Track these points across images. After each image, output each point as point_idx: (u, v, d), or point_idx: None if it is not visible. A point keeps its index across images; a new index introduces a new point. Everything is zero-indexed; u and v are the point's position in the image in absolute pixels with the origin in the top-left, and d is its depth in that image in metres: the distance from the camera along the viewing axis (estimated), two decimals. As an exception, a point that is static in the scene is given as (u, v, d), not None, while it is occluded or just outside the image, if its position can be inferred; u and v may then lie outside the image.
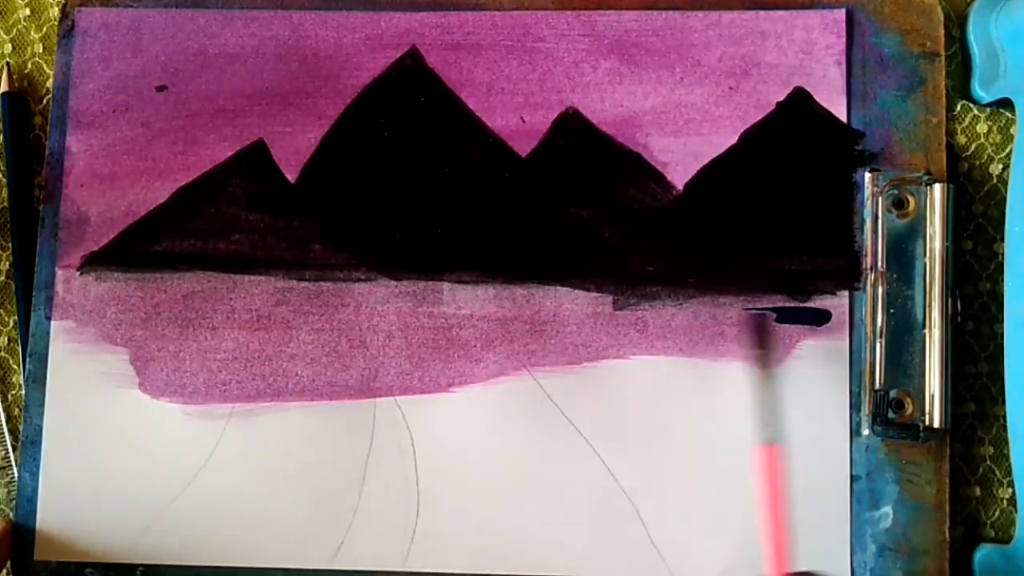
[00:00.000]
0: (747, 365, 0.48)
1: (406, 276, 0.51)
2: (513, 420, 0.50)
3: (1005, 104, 0.51)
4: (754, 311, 0.50)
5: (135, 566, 0.50)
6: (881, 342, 0.49)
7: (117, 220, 0.52)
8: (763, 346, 0.48)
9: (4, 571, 0.50)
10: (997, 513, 0.50)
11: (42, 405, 0.51)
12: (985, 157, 0.52)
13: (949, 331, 0.49)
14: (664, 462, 0.50)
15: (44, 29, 0.54)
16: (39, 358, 0.51)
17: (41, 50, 0.54)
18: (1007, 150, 0.52)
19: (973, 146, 0.52)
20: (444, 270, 0.51)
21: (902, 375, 0.49)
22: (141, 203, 0.52)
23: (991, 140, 0.52)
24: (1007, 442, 0.49)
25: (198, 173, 0.52)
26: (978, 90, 0.51)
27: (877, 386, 0.49)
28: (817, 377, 0.49)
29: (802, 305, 0.50)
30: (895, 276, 0.49)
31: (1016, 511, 0.49)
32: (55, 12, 0.54)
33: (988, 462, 0.50)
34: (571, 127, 0.52)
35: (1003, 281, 0.50)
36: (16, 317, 0.53)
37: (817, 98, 0.51)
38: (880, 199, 0.50)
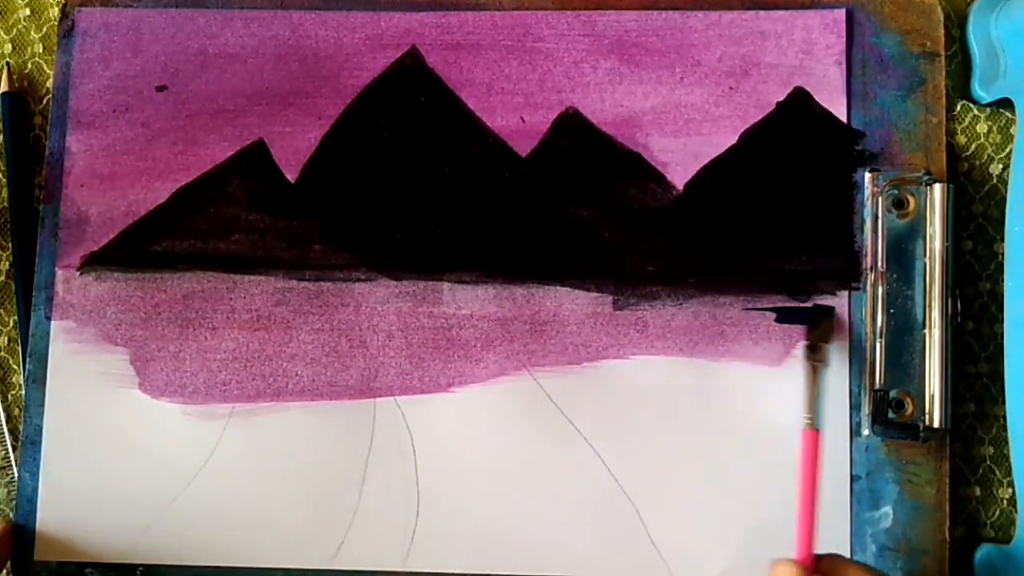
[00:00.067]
0: (802, 352, 0.48)
1: (406, 276, 0.51)
2: (513, 420, 0.50)
3: (1005, 104, 0.51)
4: (818, 304, 0.50)
5: (135, 566, 0.50)
6: (881, 342, 0.49)
7: (117, 220, 0.52)
8: (819, 338, 0.48)
9: (4, 571, 0.50)
10: (997, 513, 0.50)
11: (42, 405, 0.51)
12: (985, 157, 0.52)
13: (949, 331, 0.49)
14: (664, 462, 0.50)
15: (44, 29, 0.54)
16: (39, 358, 0.51)
17: (41, 50, 0.54)
18: (1007, 150, 0.52)
19: (973, 146, 0.52)
20: (444, 270, 0.51)
21: (902, 375, 0.49)
22: (141, 203, 0.52)
23: (991, 140, 0.52)
24: (1007, 442, 0.49)
25: (198, 173, 0.52)
26: (978, 90, 0.51)
27: (877, 386, 0.49)
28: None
29: (802, 305, 0.50)
30: (895, 276, 0.49)
31: (1016, 511, 0.49)
32: (55, 12, 0.54)
33: (988, 462, 0.50)
34: (571, 127, 0.52)
35: (1003, 281, 0.50)
36: (16, 317, 0.53)
37: (817, 98, 0.51)
38: (880, 199, 0.50)
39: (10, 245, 0.53)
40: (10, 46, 0.54)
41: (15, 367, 0.53)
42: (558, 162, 0.52)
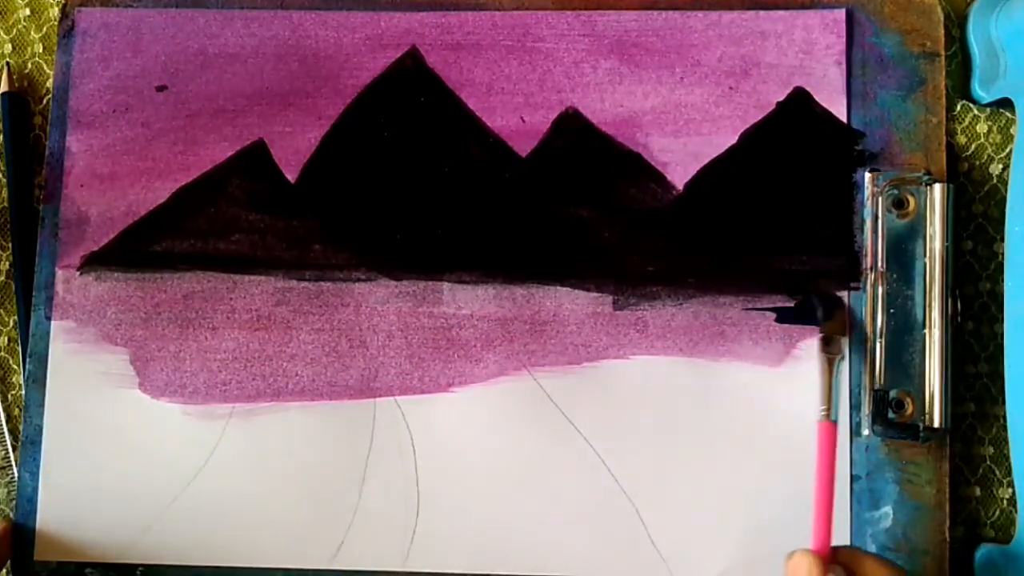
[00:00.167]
0: (817, 344, 0.48)
1: (406, 276, 0.51)
2: (513, 420, 0.50)
3: (1005, 104, 0.51)
4: (827, 294, 0.50)
5: (135, 566, 0.50)
6: (881, 342, 0.49)
7: (117, 220, 0.52)
8: (834, 330, 0.48)
9: (4, 571, 0.50)
10: (997, 513, 0.50)
11: (42, 405, 0.51)
12: (985, 157, 0.52)
13: (949, 331, 0.49)
14: (664, 462, 0.50)
15: (44, 29, 0.54)
16: (39, 358, 0.51)
17: (41, 50, 0.54)
18: (1007, 150, 0.52)
19: (973, 146, 0.52)
20: (444, 270, 0.51)
21: (902, 375, 0.49)
22: (141, 203, 0.52)
23: (991, 140, 0.52)
24: (1007, 442, 0.49)
25: (198, 173, 0.52)
26: (978, 90, 0.51)
27: (877, 386, 0.49)
28: (817, 377, 0.49)
29: (808, 298, 0.50)
30: (895, 276, 0.49)
31: (1016, 511, 0.49)
32: (55, 12, 0.54)
33: (988, 462, 0.50)
34: (571, 127, 0.52)
35: (1003, 281, 0.50)
36: (16, 317, 0.53)
37: (817, 98, 0.51)
38: (880, 199, 0.50)
39: (10, 245, 0.53)
40: (10, 46, 0.54)
41: (15, 367, 0.53)
42: (558, 162, 0.52)
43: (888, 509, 0.49)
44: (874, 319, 0.49)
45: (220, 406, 0.51)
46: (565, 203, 0.51)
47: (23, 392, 0.51)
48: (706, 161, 0.51)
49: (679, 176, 0.51)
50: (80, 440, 0.51)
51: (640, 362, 0.50)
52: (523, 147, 0.52)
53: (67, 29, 0.53)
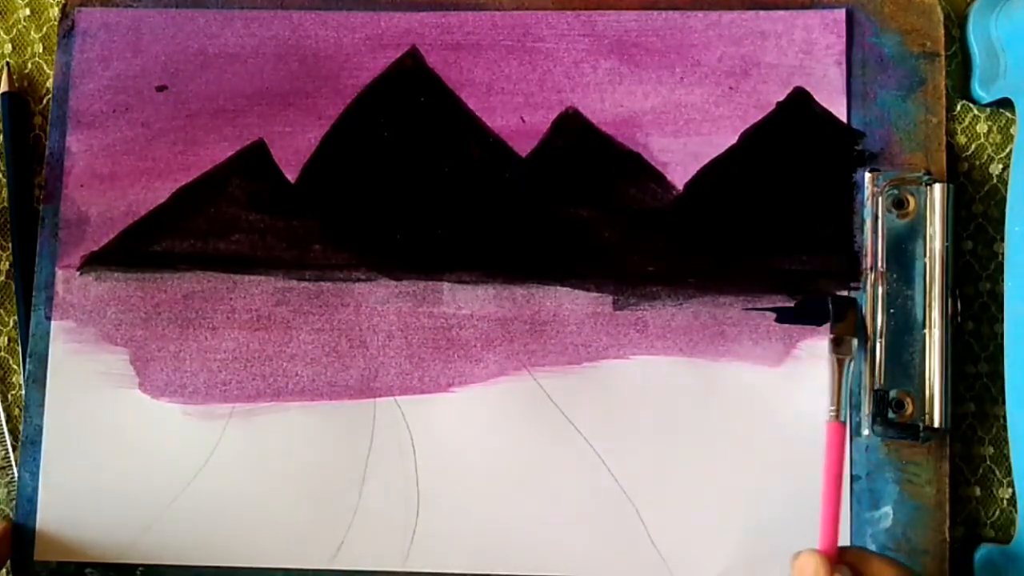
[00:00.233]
0: (828, 345, 0.48)
1: (406, 276, 0.51)
2: (513, 420, 0.50)
3: (1005, 104, 0.51)
4: (838, 295, 0.50)
5: (135, 566, 0.50)
6: (881, 342, 0.49)
7: (117, 220, 0.52)
8: (844, 331, 0.48)
9: (4, 571, 0.50)
10: (997, 513, 0.50)
11: (42, 405, 0.51)
12: (985, 157, 0.52)
13: (949, 331, 0.49)
14: (664, 462, 0.50)
15: (44, 29, 0.54)
16: (39, 358, 0.51)
17: (41, 50, 0.54)
18: (1007, 150, 0.52)
19: (973, 146, 0.52)
20: (444, 270, 0.51)
21: (902, 375, 0.49)
22: (141, 203, 0.52)
23: (991, 140, 0.52)
24: (1007, 442, 0.49)
25: (198, 173, 0.52)
26: (978, 90, 0.51)
27: (877, 386, 0.49)
28: (817, 377, 0.49)
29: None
30: (895, 276, 0.49)
31: (1016, 511, 0.49)
32: (55, 12, 0.54)
33: (988, 462, 0.50)
34: (571, 127, 0.52)
35: (1003, 281, 0.50)
36: (16, 317, 0.53)
37: (817, 98, 0.51)
38: (880, 199, 0.50)
39: (10, 245, 0.53)
40: (10, 46, 0.54)
41: (15, 367, 0.53)
42: (558, 162, 0.52)
43: (888, 509, 0.49)
44: (874, 319, 0.49)
45: (220, 406, 0.51)
46: (565, 203, 0.51)
47: (23, 392, 0.51)
48: (706, 161, 0.51)
49: (679, 176, 0.51)
50: (80, 440, 0.51)
51: (640, 362, 0.50)
52: (523, 147, 0.52)
53: (67, 29, 0.53)
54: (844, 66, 0.51)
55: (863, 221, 0.50)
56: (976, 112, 0.52)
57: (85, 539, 0.50)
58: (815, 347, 0.50)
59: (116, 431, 0.51)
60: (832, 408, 0.46)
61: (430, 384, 0.51)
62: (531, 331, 0.51)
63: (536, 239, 0.51)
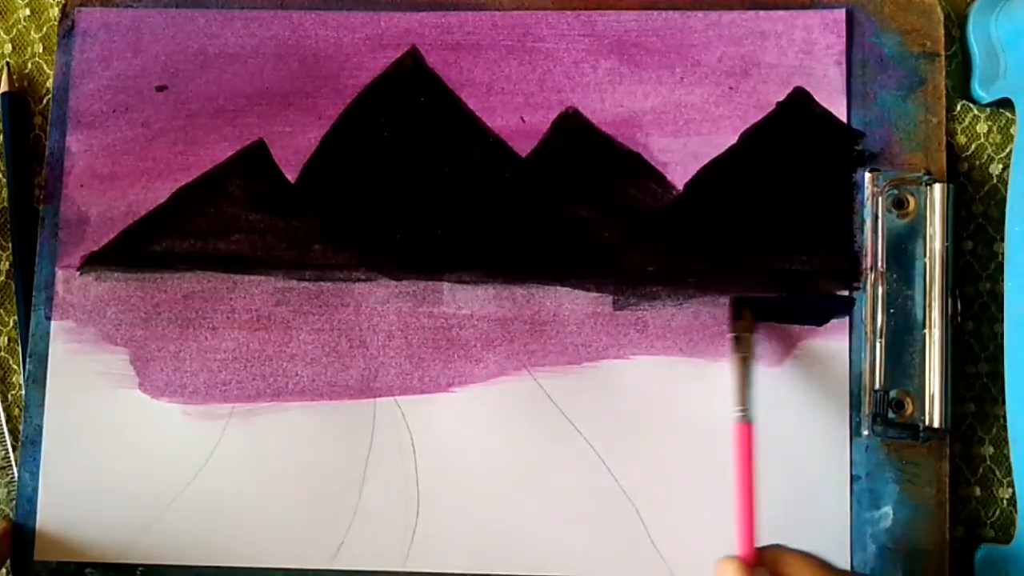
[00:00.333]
0: (728, 345, 0.48)
1: (406, 276, 0.51)
2: (513, 420, 0.50)
3: (1005, 104, 0.51)
4: (737, 295, 0.50)
5: (135, 566, 0.50)
6: (881, 342, 0.49)
7: (117, 220, 0.52)
8: (743, 329, 0.48)
9: (4, 571, 0.50)
10: (997, 513, 0.50)
11: (42, 405, 0.51)
12: (985, 157, 0.52)
13: (949, 331, 0.49)
14: (664, 462, 0.50)
15: (44, 29, 0.54)
16: (39, 358, 0.51)
17: (41, 50, 0.54)
18: (1007, 150, 0.52)
19: (973, 146, 0.52)
20: (444, 270, 0.51)
21: (902, 375, 0.49)
22: (141, 203, 0.52)
23: (991, 140, 0.52)
24: (1007, 442, 0.49)
25: (198, 173, 0.52)
26: (978, 90, 0.51)
27: (877, 386, 0.49)
28: (817, 377, 0.49)
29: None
30: (895, 276, 0.49)
31: (1016, 511, 0.49)
32: (55, 12, 0.54)
33: (988, 462, 0.50)
34: (571, 127, 0.52)
35: (1003, 281, 0.50)
36: (16, 317, 0.53)
37: (817, 98, 0.51)
38: (880, 199, 0.50)
39: (10, 245, 0.53)
40: (10, 46, 0.54)
41: (15, 367, 0.53)
42: (558, 162, 0.52)
43: (888, 509, 0.49)
44: (874, 319, 0.49)
45: (220, 406, 0.51)
46: (565, 203, 0.51)
47: (23, 392, 0.51)
48: (706, 161, 0.51)
49: (679, 176, 0.51)
50: (80, 440, 0.51)
51: (640, 362, 0.50)
52: (523, 147, 0.52)
53: (67, 29, 0.53)
54: (844, 66, 0.51)
55: (863, 221, 0.50)
56: (976, 112, 0.52)
57: (85, 539, 0.50)
58: (815, 347, 0.50)
59: (116, 431, 0.51)
60: (739, 408, 0.46)
61: (430, 384, 0.51)
62: (531, 331, 0.51)
63: (536, 239, 0.51)
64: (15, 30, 0.54)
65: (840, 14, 0.52)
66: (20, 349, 0.52)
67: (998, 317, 0.50)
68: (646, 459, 0.50)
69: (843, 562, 0.48)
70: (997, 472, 0.50)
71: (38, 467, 0.51)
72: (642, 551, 0.49)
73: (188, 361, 0.51)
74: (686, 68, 0.52)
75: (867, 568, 0.48)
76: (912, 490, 0.49)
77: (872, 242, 0.50)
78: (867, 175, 0.50)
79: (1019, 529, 0.49)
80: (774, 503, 0.49)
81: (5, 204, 0.53)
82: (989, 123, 0.52)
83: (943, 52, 0.51)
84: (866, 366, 0.49)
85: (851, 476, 0.49)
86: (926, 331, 0.49)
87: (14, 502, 0.51)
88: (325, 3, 0.53)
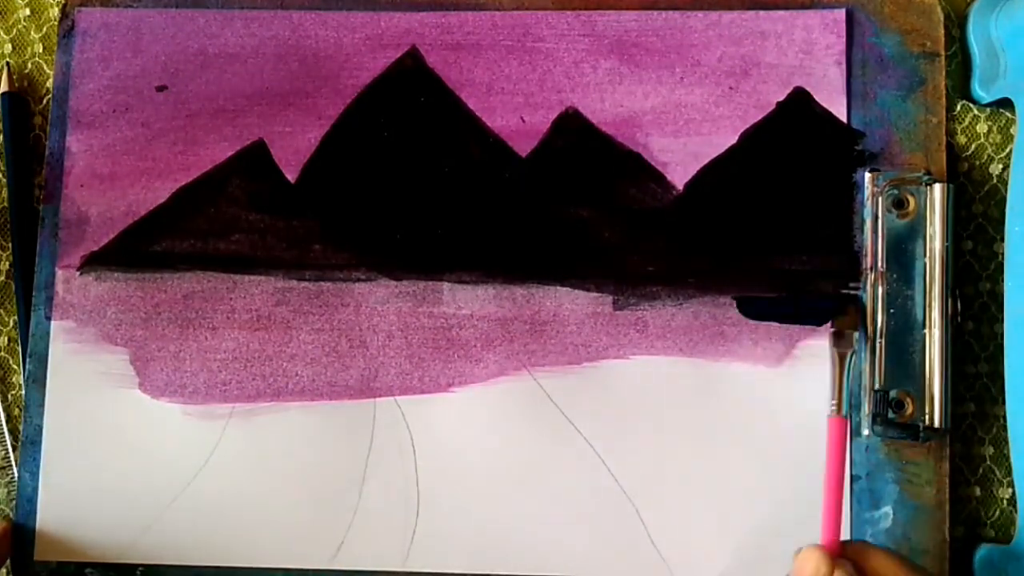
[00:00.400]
0: (829, 339, 0.48)
1: (406, 276, 0.51)
2: (513, 420, 0.50)
3: (1005, 104, 0.51)
4: (845, 293, 0.50)
5: (135, 566, 0.50)
6: (881, 342, 0.49)
7: (117, 220, 0.52)
8: (846, 325, 0.48)
9: (4, 571, 0.50)
10: (997, 513, 0.50)
11: (42, 405, 0.51)
12: (985, 157, 0.52)
13: (949, 331, 0.49)
14: (664, 462, 0.50)
15: (44, 29, 0.54)
16: (39, 358, 0.51)
17: (41, 50, 0.54)
18: (1007, 150, 0.52)
19: (973, 146, 0.52)
20: (444, 270, 0.51)
21: (902, 375, 0.49)
22: (141, 203, 0.52)
23: (991, 140, 0.52)
24: (1007, 442, 0.49)
25: (198, 173, 0.52)
26: (978, 90, 0.51)
27: (877, 386, 0.49)
28: (817, 377, 0.49)
29: (812, 297, 0.50)
30: (895, 276, 0.49)
31: (1016, 511, 0.49)
32: (55, 12, 0.54)
33: (988, 462, 0.50)
34: (571, 127, 0.52)
35: (1003, 281, 0.50)
36: (16, 317, 0.53)
37: (817, 98, 0.51)
38: (880, 199, 0.50)
39: (10, 245, 0.53)
40: (10, 46, 0.54)
41: (15, 367, 0.53)
42: (558, 162, 0.52)
43: (888, 509, 0.49)
44: (874, 319, 0.49)
45: (220, 406, 0.51)
46: (565, 203, 0.51)
47: (23, 392, 0.51)
48: (706, 161, 0.51)
49: (679, 176, 0.51)
50: (80, 440, 0.51)
51: (640, 362, 0.50)
52: (523, 147, 0.52)
53: (67, 29, 0.53)
54: (844, 66, 0.51)
55: (863, 221, 0.50)
56: (976, 112, 0.52)
57: (85, 539, 0.50)
58: (815, 347, 0.50)
59: (116, 431, 0.51)
60: (833, 402, 0.46)
61: (430, 384, 0.51)
62: (531, 331, 0.51)
63: (536, 239, 0.51)
64: (15, 30, 0.54)
65: (840, 14, 0.52)
66: (20, 349, 0.52)
67: (998, 317, 0.50)
68: (646, 459, 0.50)
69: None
70: (997, 472, 0.50)
71: (38, 467, 0.51)
72: (642, 551, 0.49)
73: (188, 361, 0.51)
74: (686, 68, 0.52)
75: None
76: (912, 490, 0.49)
77: (872, 242, 0.50)
78: (867, 175, 0.50)
79: (1019, 529, 0.49)
80: (774, 503, 0.49)
81: (5, 204, 0.53)
82: (989, 123, 0.52)
83: (943, 52, 0.51)
84: (866, 366, 0.49)
85: (851, 476, 0.49)
86: (926, 331, 0.49)
87: (14, 502, 0.51)
88: (325, 3, 0.53)
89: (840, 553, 0.43)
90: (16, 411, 0.52)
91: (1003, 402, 0.49)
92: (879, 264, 0.49)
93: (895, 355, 0.49)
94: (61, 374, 0.51)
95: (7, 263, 0.53)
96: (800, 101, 0.51)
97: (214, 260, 0.52)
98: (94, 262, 0.52)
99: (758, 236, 0.51)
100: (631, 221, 0.51)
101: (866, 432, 0.49)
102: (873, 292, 0.50)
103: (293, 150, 0.52)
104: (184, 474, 0.50)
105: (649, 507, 0.49)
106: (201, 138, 0.53)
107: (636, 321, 0.51)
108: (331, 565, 0.50)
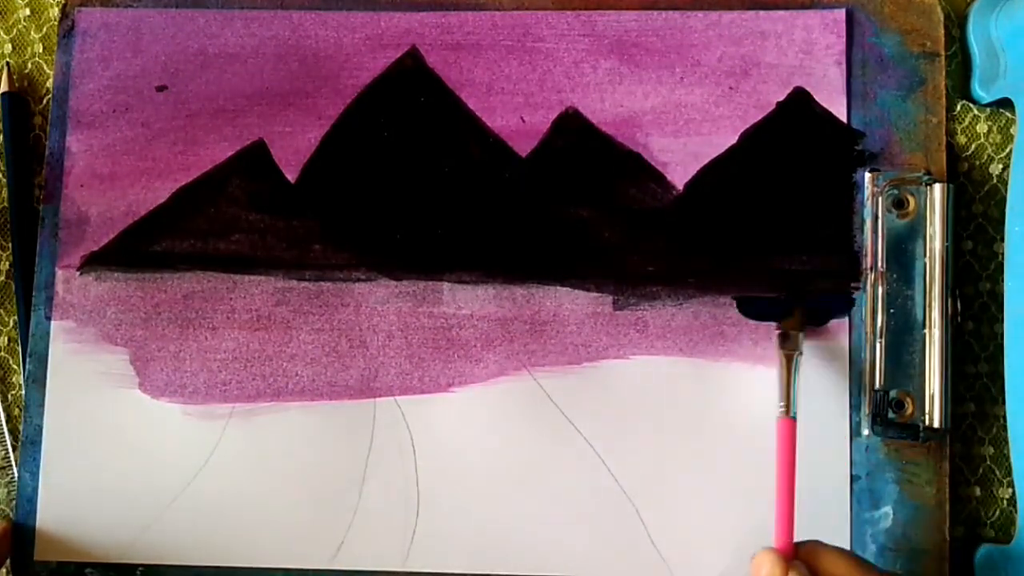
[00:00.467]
0: (775, 342, 0.49)
1: (406, 276, 0.51)
2: (513, 420, 0.50)
3: (1005, 104, 0.51)
4: (786, 296, 0.50)
5: (135, 566, 0.50)
6: (881, 342, 0.49)
7: (117, 220, 0.52)
8: (791, 326, 0.48)
9: (4, 571, 0.50)
10: (997, 513, 0.50)
11: (42, 405, 0.51)
12: (985, 157, 0.52)
13: (949, 331, 0.49)
14: (664, 462, 0.50)
15: (44, 29, 0.54)
16: (39, 358, 0.51)
17: (41, 50, 0.54)
18: (1007, 150, 0.52)
19: (973, 146, 0.52)
20: (444, 270, 0.51)
21: (902, 375, 0.49)
22: (141, 203, 0.52)
23: (991, 140, 0.52)
24: (1007, 442, 0.49)
25: (198, 173, 0.52)
26: (978, 90, 0.51)
27: (877, 386, 0.49)
28: (817, 377, 0.49)
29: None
30: (895, 276, 0.49)
31: (1016, 511, 0.49)
32: (55, 12, 0.54)
33: (988, 462, 0.50)
34: (571, 127, 0.52)
35: (1003, 281, 0.50)
36: (16, 317, 0.53)
37: (817, 98, 0.51)
38: (880, 199, 0.50)
39: (10, 245, 0.53)
40: (10, 46, 0.54)
41: (15, 367, 0.53)
42: (558, 162, 0.52)
43: (888, 509, 0.49)
44: (874, 319, 0.49)
45: (220, 406, 0.51)
46: (565, 203, 0.51)
47: (23, 392, 0.51)
48: (706, 161, 0.51)
49: (679, 176, 0.51)
50: (80, 440, 0.51)
51: (640, 362, 0.50)
52: (523, 147, 0.52)
53: (67, 29, 0.53)
54: (844, 66, 0.51)
55: (863, 221, 0.50)
56: (976, 112, 0.52)
57: (85, 539, 0.50)
58: (815, 347, 0.50)
59: (116, 431, 0.51)
60: (782, 404, 0.47)
61: (430, 384, 0.51)
62: (531, 331, 0.51)
63: (536, 239, 0.51)
64: (15, 30, 0.54)
65: (840, 14, 0.52)
66: (20, 349, 0.52)
67: (998, 317, 0.50)
68: (646, 459, 0.50)
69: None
70: (997, 472, 0.50)
71: (38, 467, 0.51)
72: (642, 551, 0.49)
73: (188, 361, 0.51)
74: (686, 68, 0.52)
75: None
76: (912, 490, 0.49)
77: (872, 242, 0.50)
78: (867, 175, 0.50)
79: (1019, 529, 0.49)
80: (774, 503, 0.49)
81: (5, 204, 0.53)
82: (989, 123, 0.52)
83: (943, 52, 0.51)
84: (866, 366, 0.49)
85: (851, 476, 0.49)
86: (926, 331, 0.49)
87: (14, 502, 0.51)
88: (325, 3, 0.53)
89: (794, 555, 0.44)
90: (16, 411, 0.52)
91: (1003, 402, 0.49)
92: (879, 264, 0.49)
93: (895, 355, 0.49)
94: (61, 374, 0.51)
95: (7, 263, 0.53)
96: (800, 101, 0.51)
97: (214, 260, 0.52)
98: (94, 262, 0.52)
99: (758, 236, 0.51)
100: (631, 221, 0.51)
101: (866, 432, 0.49)
102: (873, 292, 0.50)
103: (293, 150, 0.52)
104: (184, 474, 0.50)
105: (649, 507, 0.49)
106: (201, 138, 0.53)
107: (636, 321, 0.51)
108: (331, 565, 0.50)
